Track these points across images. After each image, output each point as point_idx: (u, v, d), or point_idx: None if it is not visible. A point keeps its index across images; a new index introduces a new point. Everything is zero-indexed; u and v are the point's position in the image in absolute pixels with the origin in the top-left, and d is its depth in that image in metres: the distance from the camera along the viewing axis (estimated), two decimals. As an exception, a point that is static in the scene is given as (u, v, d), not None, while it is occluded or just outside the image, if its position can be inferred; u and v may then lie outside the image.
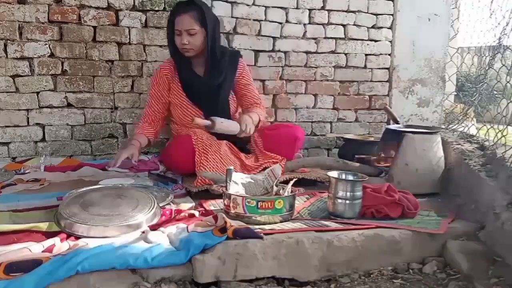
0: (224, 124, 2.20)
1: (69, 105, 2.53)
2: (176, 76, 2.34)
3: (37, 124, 2.49)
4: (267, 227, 1.61)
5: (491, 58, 2.47)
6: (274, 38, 2.82)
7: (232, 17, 2.72)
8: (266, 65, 2.83)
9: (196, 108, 2.33)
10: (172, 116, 2.42)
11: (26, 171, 2.28)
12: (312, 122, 2.98)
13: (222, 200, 1.78)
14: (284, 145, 2.33)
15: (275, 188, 1.86)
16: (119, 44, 2.55)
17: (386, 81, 3.08)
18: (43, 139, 2.51)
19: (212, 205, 1.88)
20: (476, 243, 1.64)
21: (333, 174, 1.80)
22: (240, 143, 2.34)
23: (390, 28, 3.02)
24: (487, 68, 2.51)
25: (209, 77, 2.30)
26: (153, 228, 1.59)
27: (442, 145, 2.22)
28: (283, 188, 1.84)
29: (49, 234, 1.51)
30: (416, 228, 1.66)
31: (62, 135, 2.54)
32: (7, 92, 2.42)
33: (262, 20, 2.78)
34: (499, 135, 2.10)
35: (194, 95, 2.32)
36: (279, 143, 2.33)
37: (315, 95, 2.97)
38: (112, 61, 2.56)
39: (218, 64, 2.30)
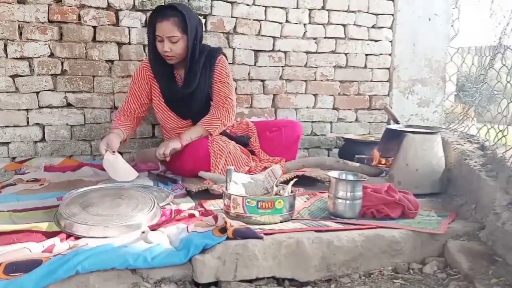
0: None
1: (69, 105, 2.53)
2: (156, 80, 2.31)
3: (37, 124, 2.49)
4: (267, 227, 1.61)
5: (491, 58, 2.47)
6: (274, 38, 2.82)
7: (232, 17, 2.72)
8: (266, 65, 2.82)
9: (173, 113, 2.32)
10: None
11: (26, 171, 2.28)
12: (312, 122, 2.98)
13: (222, 200, 1.78)
14: (288, 147, 2.42)
15: (275, 188, 1.85)
16: (119, 44, 2.55)
17: (387, 81, 3.08)
18: (43, 139, 2.51)
19: (212, 205, 1.88)
20: (477, 243, 1.64)
21: (333, 174, 1.80)
22: (243, 145, 2.39)
23: (390, 28, 3.02)
24: (487, 68, 2.51)
25: (183, 85, 2.26)
26: (153, 228, 1.59)
27: (443, 145, 2.22)
28: (283, 188, 1.83)
29: (49, 234, 1.51)
30: (416, 228, 1.66)
31: (62, 135, 2.53)
32: (7, 92, 2.42)
33: (262, 20, 2.78)
34: (500, 135, 2.10)
35: (170, 101, 2.30)
36: (283, 146, 2.40)
37: (315, 95, 2.97)
38: (112, 61, 2.56)
39: (195, 69, 2.22)
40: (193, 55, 2.20)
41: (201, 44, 2.25)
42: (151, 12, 2.21)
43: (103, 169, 2.32)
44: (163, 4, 2.56)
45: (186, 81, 2.25)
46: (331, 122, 3.02)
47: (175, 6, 2.14)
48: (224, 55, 2.36)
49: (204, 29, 2.67)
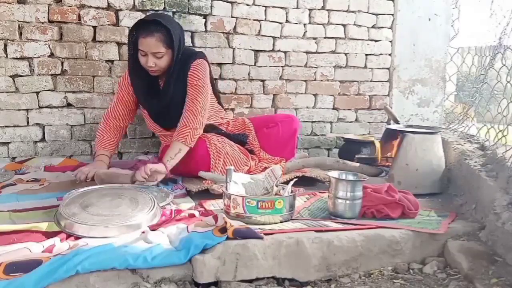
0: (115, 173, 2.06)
1: (69, 105, 2.53)
2: None
3: (37, 124, 2.49)
4: (267, 227, 1.61)
5: (491, 58, 2.47)
6: (274, 38, 2.82)
7: (232, 17, 2.72)
8: (266, 65, 2.82)
9: (157, 124, 2.32)
10: None
11: (26, 171, 2.28)
12: (312, 122, 2.98)
13: (222, 200, 1.78)
14: (286, 142, 2.41)
15: (275, 188, 1.86)
16: (119, 44, 2.55)
17: (387, 81, 3.08)
18: (43, 139, 2.51)
19: (212, 205, 1.88)
20: (477, 243, 1.64)
21: (334, 174, 1.80)
22: (241, 144, 2.37)
23: (390, 28, 3.02)
24: (487, 68, 2.51)
25: (159, 98, 2.22)
26: (153, 228, 1.59)
27: (443, 145, 2.22)
28: (283, 188, 1.83)
29: (49, 234, 1.51)
30: (416, 228, 1.66)
31: (62, 135, 2.53)
32: (7, 92, 2.41)
33: (262, 20, 2.78)
34: (500, 135, 2.10)
35: (152, 114, 2.30)
36: (281, 141, 2.39)
37: (315, 95, 2.96)
38: (112, 61, 2.56)
39: (169, 81, 2.19)
40: (176, 63, 2.16)
41: (180, 54, 2.17)
42: (132, 25, 2.14)
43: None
44: (162, 5, 2.57)
45: (162, 93, 2.23)
46: (331, 122, 3.02)
47: (159, 20, 2.06)
48: (203, 58, 2.27)
49: (204, 29, 2.68)
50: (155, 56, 2.09)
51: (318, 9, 2.87)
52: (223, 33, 2.72)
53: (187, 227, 1.57)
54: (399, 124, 2.56)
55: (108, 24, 2.51)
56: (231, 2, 2.70)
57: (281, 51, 2.85)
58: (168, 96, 2.21)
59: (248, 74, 2.80)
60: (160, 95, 2.23)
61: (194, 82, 2.18)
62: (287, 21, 2.83)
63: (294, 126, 2.44)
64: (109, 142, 2.23)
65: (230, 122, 2.48)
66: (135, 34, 2.11)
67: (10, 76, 2.41)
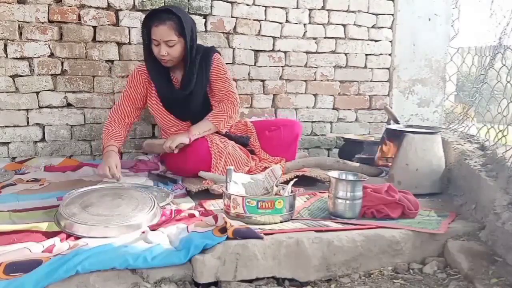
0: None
1: (69, 105, 2.53)
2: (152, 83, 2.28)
3: (37, 124, 2.49)
4: (267, 227, 1.61)
5: (491, 58, 2.46)
6: (274, 38, 2.82)
7: (232, 17, 2.72)
8: (266, 65, 2.82)
9: (172, 116, 2.31)
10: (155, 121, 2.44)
11: (26, 171, 2.28)
12: (312, 122, 2.98)
13: (222, 200, 1.78)
14: (287, 146, 2.41)
15: (275, 188, 1.85)
16: (119, 44, 2.55)
17: (387, 81, 3.08)
18: (43, 139, 2.51)
19: (212, 205, 1.88)
20: (477, 243, 1.64)
21: (334, 174, 1.80)
22: (243, 145, 2.38)
23: (390, 28, 3.02)
24: (487, 68, 2.51)
25: (181, 87, 2.25)
26: (153, 228, 1.59)
27: (443, 145, 2.22)
28: (283, 188, 1.83)
29: (49, 234, 1.51)
30: (416, 228, 1.66)
31: (62, 135, 2.53)
32: (7, 92, 2.42)
33: (262, 20, 2.78)
34: (500, 135, 2.10)
35: (168, 104, 2.29)
36: (282, 145, 2.39)
37: (315, 95, 2.97)
38: (112, 61, 2.56)
39: (192, 71, 2.22)
40: (189, 57, 2.19)
41: (196, 45, 2.23)
42: (145, 15, 2.17)
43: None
44: (162, 4, 2.57)
45: (184, 83, 2.25)
46: (331, 122, 3.02)
47: (170, 9, 2.12)
48: (218, 53, 2.35)
49: (204, 29, 2.68)
50: (167, 44, 2.11)
51: (318, 9, 2.87)
52: (223, 33, 2.72)
53: (187, 227, 1.57)
54: (399, 124, 2.56)
55: (108, 24, 2.51)
56: (231, 2, 2.71)
57: (281, 51, 2.85)
58: (191, 86, 2.23)
59: (248, 74, 2.81)
60: (183, 84, 2.25)
61: (222, 74, 2.29)
62: (287, 21, 2.83)
63: (296, 131, 2.44)
64: (116, 135, 2.18)
65: (233, 124, 2.48)
66: (149, 24, 2.13)
67: (10, 76, 2.41)
